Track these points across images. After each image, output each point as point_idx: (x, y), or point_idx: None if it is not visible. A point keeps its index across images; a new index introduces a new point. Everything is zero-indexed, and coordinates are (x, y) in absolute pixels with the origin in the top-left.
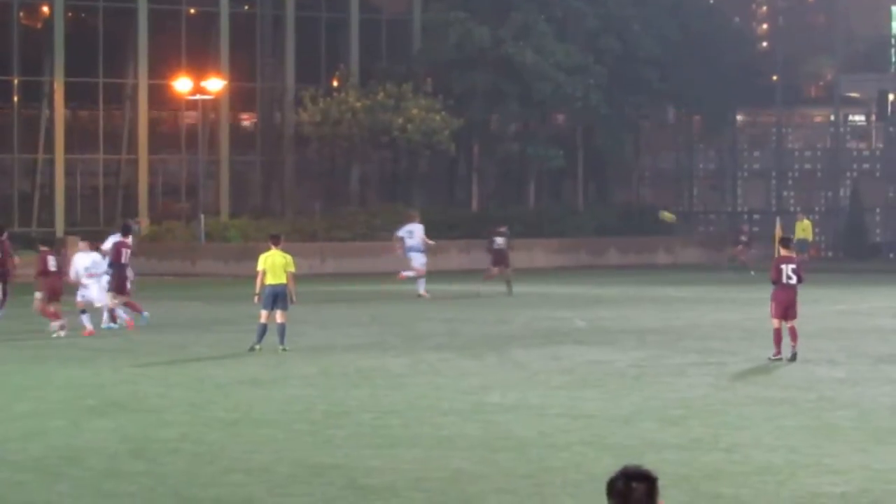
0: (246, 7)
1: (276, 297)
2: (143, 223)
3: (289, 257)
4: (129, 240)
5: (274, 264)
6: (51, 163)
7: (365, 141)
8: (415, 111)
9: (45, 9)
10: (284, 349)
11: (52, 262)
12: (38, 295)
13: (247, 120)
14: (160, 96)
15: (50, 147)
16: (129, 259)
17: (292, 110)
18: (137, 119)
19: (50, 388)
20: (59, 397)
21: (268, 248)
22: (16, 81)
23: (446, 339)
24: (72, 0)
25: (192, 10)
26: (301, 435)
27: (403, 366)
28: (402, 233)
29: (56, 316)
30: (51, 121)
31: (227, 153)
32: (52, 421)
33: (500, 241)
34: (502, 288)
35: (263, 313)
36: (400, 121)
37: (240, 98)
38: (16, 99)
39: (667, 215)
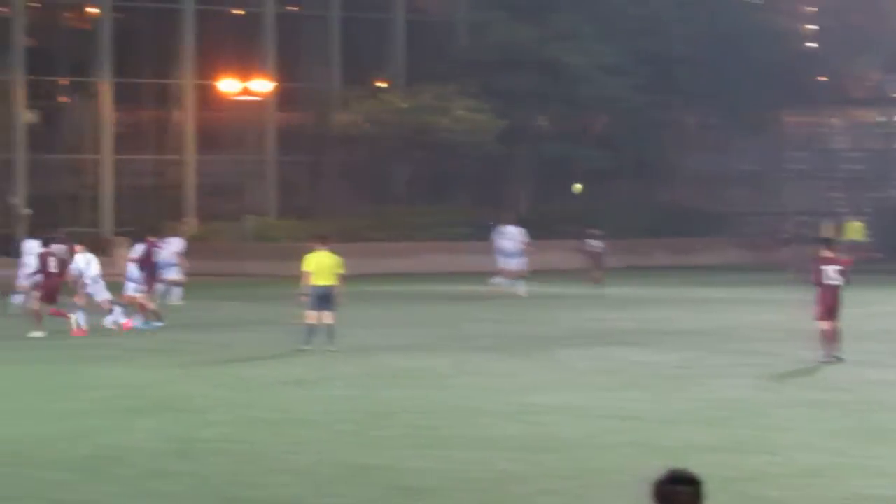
0: (292, 8)
1: (324, 298)
2: (191, 224)
3: (338, 258)
4: (179, 242)
5: (321, 265)
6: (98, 164)
7: (410, 142)
8: (459, 112)
9: (93, 10)
10: (332, 350)
11: (52, 264)
12: (35, 294)
13: (293, 121)
14: (207, 97)
15: (97, 148)
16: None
17: (338, 111)
18: (185, 120)
19: (95, 388)
20: (104, 397)
21: (314, 249)
22: (64, 82)
23: (492, 340)
24: (119, 1)
25: (239, 11)
26: (345, 435)
27: (449, 366)
28: (498, 235)
29: (39, 318)
30: (98, 121)
31: (274, 154)
32: (97, 421)
33: (594, 243)
34: (537, 288)
35: (311, 314)
36: (445, 121)
37: (286, 99)
38: (64, 100)
39: (577, 187)
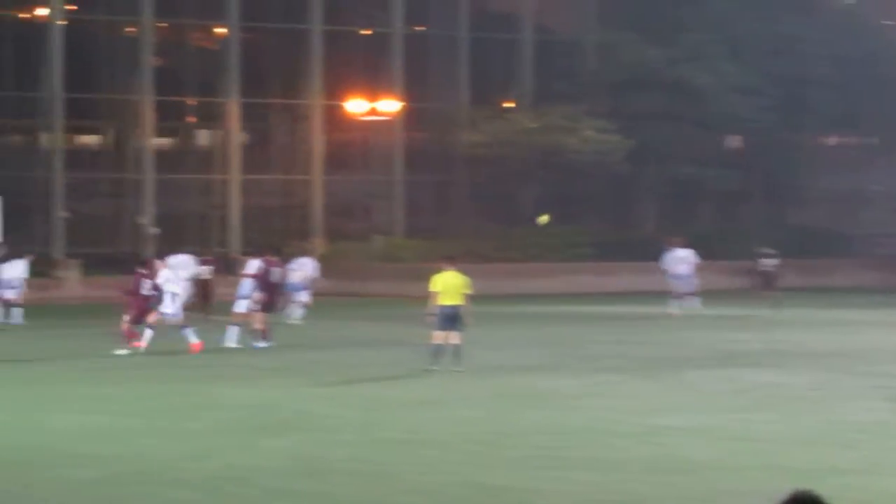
0: (420, 28)
1: (452, 319)
2: (318, 243)
3: (465, 279)
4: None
5: (448, 285)
6: (226, 183)
7: (538, 162)
8: (587, 132)
9: (221, 30)
10: (459, 370)
11: (145, 286)
12: (125, 317)
13: (420, 140)
14: (334, 117)
15: (225, 167)
16: (285, 277)
17: (465, 131)
18: (312, 140)
19: (222, 408)
20: (231, 416)
21: (442, 269)
22: (191, 102)
23: (619, 361)
24: (247, 22)
25: (367, 32)
26: (473, 456)
27: (577, 387)
28: (669, 258)
29: (130, 337)
30: (226, 141)
31: (401, 174)
32: (224, 440)
33: (767, 262)
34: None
35: (438, 334)
36: (572, 142)
37: (413, 118)
38: (192, 120)
39: (542, 219)
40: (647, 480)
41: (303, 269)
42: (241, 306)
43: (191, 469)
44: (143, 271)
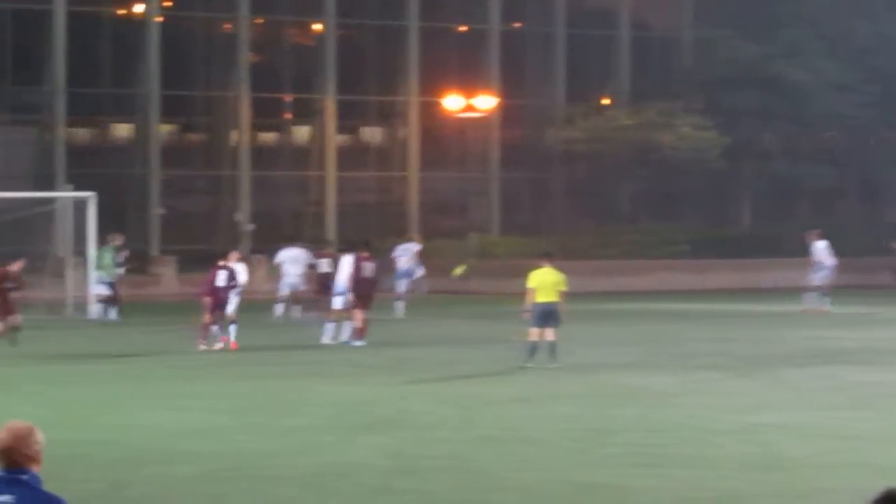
0: (516, 24)
1: (547, 315)
2: (414, 241)
3: (561, 275)
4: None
5: (545, 282)
6: (322, 180)
7: (634, 159)
8: (685, 129)
9: (317, 26)
10: (555, 367)
11: (221, 278)
12: (206, 307)
13: (516, 137)
14: (431, 114)
15: (321, 164)
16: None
17: (562, 128)
18: (408, 136)
19: (320, 404)
20: (329, 413)
21: (539, 266)
22: (288, 99)
23: (715, 359)
24: (344, 18)
25: (463, 28)
26: (570, 453)
27: (672, 385)
28: (815, 251)
29: (206, 329)
30: (322, 138)
31: (497, 171)
32: (322, 436)
33: None
34: (769, 307)
35: (534, 331)
36: (669, 138)
37: (510, 115)
38: (288, 116)
39: (457, 271)
40: (744, 477)
41: (407, 254)
42: (337, 303)
43: (288, 466)
44: (221, 263)
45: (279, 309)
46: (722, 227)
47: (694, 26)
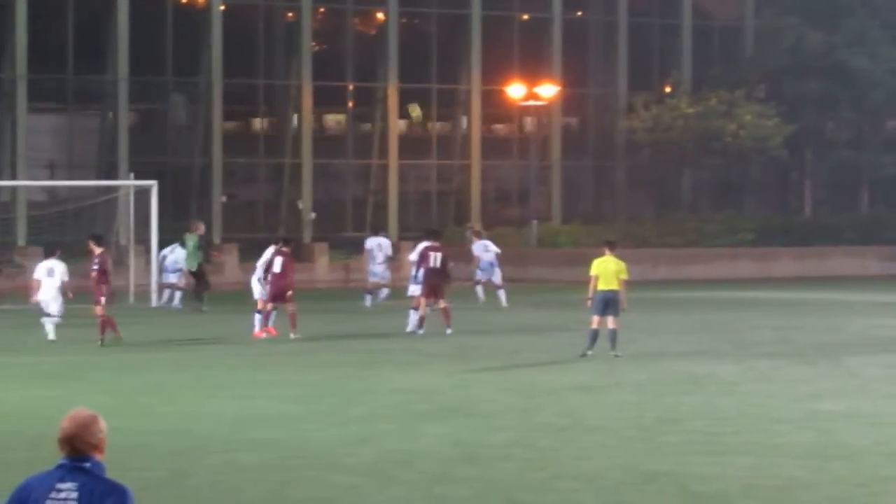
0: (578, 13)
1: (608, 303)
2: (475, 229)
3: (622, 264)
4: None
5: (606, 270)
6: (384, 168)
7: (696, 147)
8: (747, 117)
9: (380, 15)
10: (616, 355)
11: (277, 264)
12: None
13: (578, 126)
14: (493, 102)
15: (384, 153)
16: (444, 262)
17: (624, 116)
18: (471, 124)
19: (383, 393)
20: (391, 402)
21: (601, 254)
22: (350, 87)
23: (778, 347)
24: (406, 7)
25: (525, 17)
26: (632, 441)
27: (735, 373)
28: None
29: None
30: (385, 126)
31: (559, 159)
32: (384, 425)
33: None
34: (832, 295)
35: (595, 319)
36: (732, 127)
37: (571, 104)
38: (350, 105)
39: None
40: (805, 465)
41: (488, 250)
42: (414, 290)
43: (353, 454)
44: (285, 250)
45: (369, 298)
46: (784, 216)
47: (757, 14)
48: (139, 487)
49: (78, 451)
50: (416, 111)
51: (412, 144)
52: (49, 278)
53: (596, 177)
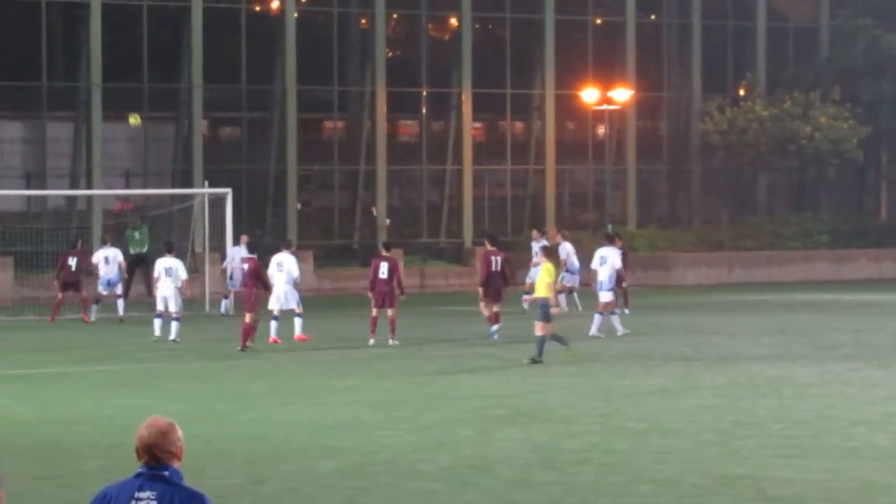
0: (652, 16)
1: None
2: (551, 233)
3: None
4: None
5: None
6: (459, 174)
7: (771, 150)
8: (822, 119)
9: (454, 21)
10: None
11: (383, 269)
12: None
13: (652, 129)
14: (567, 106)
15: (458, 158)
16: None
17: (698, 119)
18: (545, 129)
19: (458, 398)
20: (467, 407)
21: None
22: (424, 93)
23: (855, 349)
24: (479, 12)
25: (599, 21)
26: (709, 445)
27: (811, 376)
28: None
29: (373, 326)
30: (459, 131)
31: (634, 162)
32: (461, 430)
33: None
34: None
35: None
36: (807, 129)
37: (646, 107)
38: (424, 110)
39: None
40: (882, 468)
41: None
42: (604, 297)
43: (430, 460)
44: (387, 255)
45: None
46: (860, 218)
47: (832, 15)
48: (217, 495)
49: (157, 459)
50: (136, 119)
51: (487, 149)
52: (167, 277)
53: (671, 180)
